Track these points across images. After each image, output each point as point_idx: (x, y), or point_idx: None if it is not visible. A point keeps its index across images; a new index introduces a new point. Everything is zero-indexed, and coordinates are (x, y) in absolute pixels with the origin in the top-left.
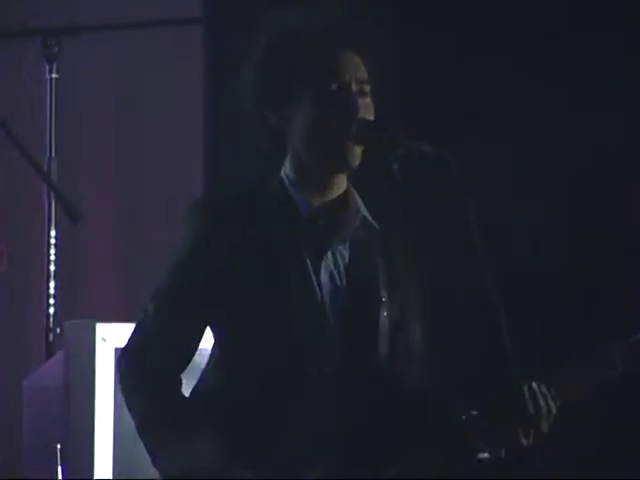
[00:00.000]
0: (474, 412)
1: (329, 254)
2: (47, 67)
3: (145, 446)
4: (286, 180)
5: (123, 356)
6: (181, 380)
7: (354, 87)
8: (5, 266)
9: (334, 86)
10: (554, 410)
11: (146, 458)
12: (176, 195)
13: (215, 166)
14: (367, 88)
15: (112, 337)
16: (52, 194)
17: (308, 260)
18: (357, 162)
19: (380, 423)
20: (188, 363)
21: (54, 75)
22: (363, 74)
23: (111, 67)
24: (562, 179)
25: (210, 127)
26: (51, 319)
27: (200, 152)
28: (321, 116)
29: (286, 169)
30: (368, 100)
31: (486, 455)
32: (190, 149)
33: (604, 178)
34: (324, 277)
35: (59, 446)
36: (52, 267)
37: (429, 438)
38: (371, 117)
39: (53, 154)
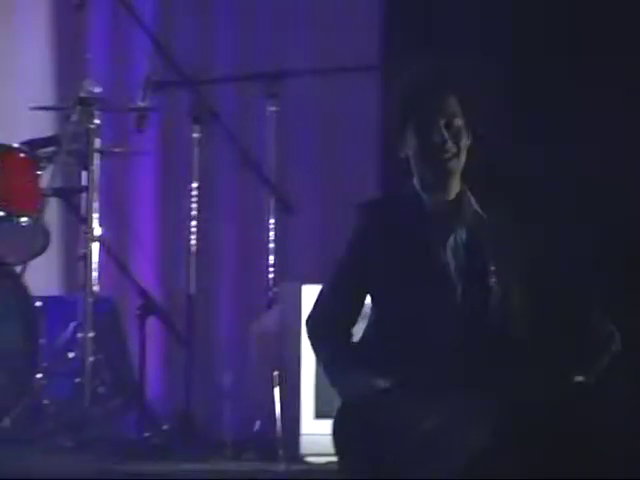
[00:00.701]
0: (570, 336)
1: (451, 238)
2: (268, 102)
3: (328, 378)
4: (417, 186)
5: (309, 317)
6: (351, 333)
7: (442, 121)
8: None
9: (427, 123)
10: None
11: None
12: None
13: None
14: (458, 121)
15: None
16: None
17: (438, 243)
18: (451, 175)
19: (491, 358)
20: (355, 321)
21: (274, 108)
22: (453, 110)
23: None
24: None
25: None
26: (270, 282)
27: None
28: (418, 149)
29: (415, 178)
30: (456, 129)
31: (581, 378)
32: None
33: None
34: (449, 254)
35: (275, 373)
36: (271, 245)
37: (535, 371)
38: (461, 143)
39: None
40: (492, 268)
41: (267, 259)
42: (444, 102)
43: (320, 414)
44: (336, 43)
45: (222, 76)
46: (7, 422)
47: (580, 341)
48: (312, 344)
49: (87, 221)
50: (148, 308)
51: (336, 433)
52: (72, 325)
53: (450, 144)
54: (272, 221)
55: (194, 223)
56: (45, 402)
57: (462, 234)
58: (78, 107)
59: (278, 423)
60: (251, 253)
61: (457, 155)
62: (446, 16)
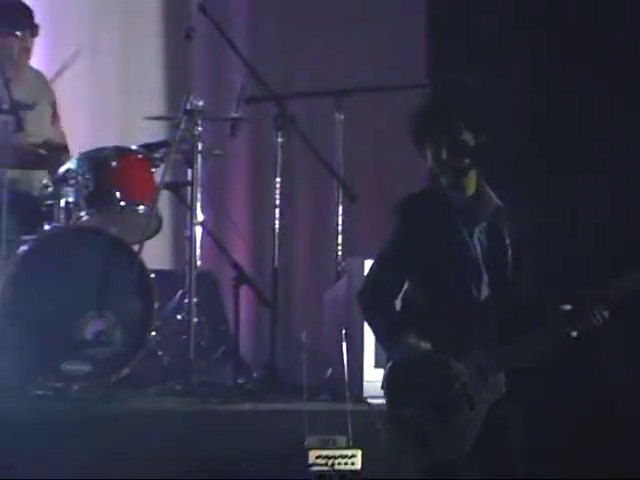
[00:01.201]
0: (567, 306)
1: (477, 228)
2: (337, 112)
3: (378, 341)
4: (443, 182)
5: (361, 292)
6: (395, 305)
7: (447, 138)
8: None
9: (435, 141)
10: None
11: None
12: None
13: None
14: (462, 136)
15: None
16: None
17: (465, 233)
18: (461, 178)
19: (506, 318)
20: (398, 295)
21: (341, 117)
22: (458, 126)
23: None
24: None
25: None
26: (339, 258)
27: None
28: (433, 162)
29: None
30: (460, 142)
31: (575, 334)
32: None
33: None
34: (475, 240)
35: (343, 331)
36: (339, 227)
37: (539, 325)
38: (466, 154)
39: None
40: (508, 248)
41: (336, 239)
42: (448, 122)
43: (378, 364)
44: (391, 64)
45: (299, 91)
46: (127, 371)
47: (573, 307)
48: (364, 314)
49: (191, 209)
50: (241, 279)
51: (386, 385)
52: (180, 293)
53: (454, 158)
54: (340, 208)
55: (277, 210)
56: (159, 354)
57: (484, 225)
58: (185, 117)
59: (345, 371)
60: (323, 234)
61: (463, 164)
62: (482, 39)
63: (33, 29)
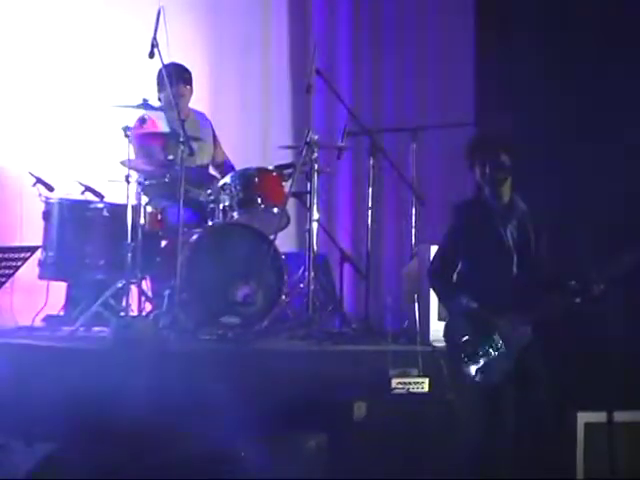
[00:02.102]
0: (573, 282)
1: (509, 225)
2: (411, 142)
3: (441, 302)
4: (486, 193)
5: (429, 270)
6: (452, 278)
7: (489, 162)
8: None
9: (481, 164)
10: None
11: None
12: None
13: None
14: (500, 161)
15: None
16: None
17: (501, 229)
18: (499, 190)
19: (530, 289)
20: (454, 272)
21: (414, 146)
22: (498, 153)
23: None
24: None
25: None
26: (413, 242)
27: None
28: (479, 177)
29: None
30: (499, 164)
31: (578, 300)
32: None
33: None
34: (508, 234)
35: (416, 295)
36: (413, 222)
37: (553, 294)
38: (501, 173)
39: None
40: (531, 239)
41: (411, 231)
42: (491, 148)
43: (440, 318)
44: (450, 107)
45: (386, 127)
46: (265, 323)
47: (578, 281)
48: (431, 284)
49: (310, 210)
50: (344, 259)
51: (446, 332)
52: (302, 268)
53: (493, 176)
54: (413, 209)
55: (370, 211)
56: (287, 311)
57: (515, 222)
58: (306, 146)
59: (417, 323)
60: (402, 227)
61: (499, 180)
62: (513, 88)
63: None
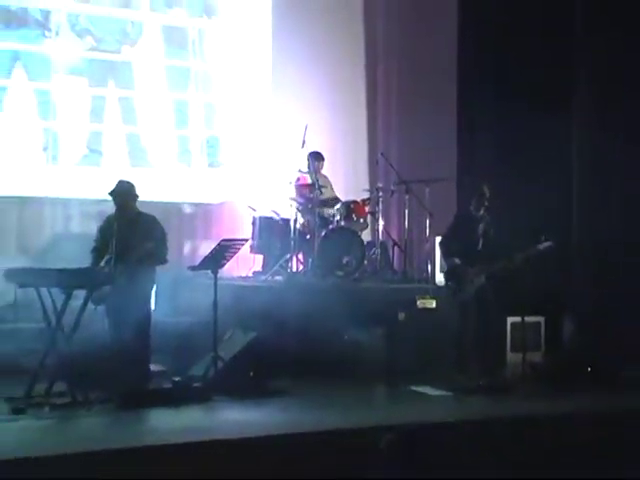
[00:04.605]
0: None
1: (479, 225)
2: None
3: (444, 260)
4: (472, 209)
5: (440, 243)
6: (453, 249)
7: (479, 197)
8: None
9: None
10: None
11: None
12: None
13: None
14: (486, 198)
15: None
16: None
17: (476, 227)
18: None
19: (496, 257)
20: (455, 247)
21: (428, 189)
22: (485, 192)
23: None
24: None
25: None
26: (427, 234)
27: None
28: (474, 202)
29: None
30: (485, 196)
31: (510, 265)
32: None
33: None
34: (479, 230)
35: (429, 260)
36: (427, 224)
37: (504, 260)
38: (485, 202)
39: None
40: (490, 233)
41: (425, 230)
42: (482, 191)
43: (442, 270)
44: (435, 163)
45: (416, 179)
46: (357, 275)
47: (520, 253)
48: (441, 252)
49: (377, 220)
50: (395, 245)
51: (445, 276)
52: (372, 250)
53: (480, 201)
54: (427, 220)
55: (406, 222)
56: (367, 269)
57: (482, 224)
58: (375, 190)
59: (429, 273)
60: (421, 227)
61: (483, 206)
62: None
63: (324, 160)
